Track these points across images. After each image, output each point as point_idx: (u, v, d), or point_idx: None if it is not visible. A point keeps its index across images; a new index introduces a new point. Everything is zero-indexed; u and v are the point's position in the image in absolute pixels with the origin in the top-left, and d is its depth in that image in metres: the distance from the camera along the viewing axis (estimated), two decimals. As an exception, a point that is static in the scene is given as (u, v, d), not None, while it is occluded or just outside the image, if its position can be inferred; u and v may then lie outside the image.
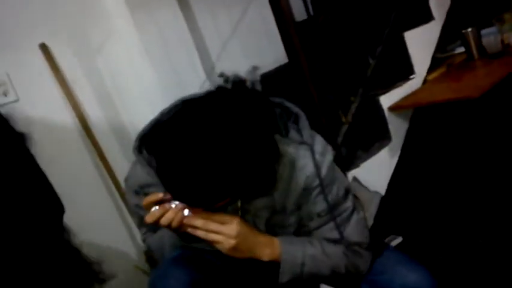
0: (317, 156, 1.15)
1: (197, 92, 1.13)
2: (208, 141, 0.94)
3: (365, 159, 2.17)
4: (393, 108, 2.25)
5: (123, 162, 2.14)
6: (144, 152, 1.17)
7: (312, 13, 2.33)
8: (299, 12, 2.29)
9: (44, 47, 2.04)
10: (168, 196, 1.06)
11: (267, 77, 2.71)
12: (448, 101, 2.07)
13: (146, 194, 1.12)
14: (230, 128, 0.96)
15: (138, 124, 2.15)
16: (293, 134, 1.18)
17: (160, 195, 1.07)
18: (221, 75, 1.12)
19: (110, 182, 2.16)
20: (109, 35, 2.19)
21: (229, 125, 0.96)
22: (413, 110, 2.35)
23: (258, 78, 1.17)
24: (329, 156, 1.18)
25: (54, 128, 2.06)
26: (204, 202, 1.01)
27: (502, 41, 2.44)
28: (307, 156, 1.15)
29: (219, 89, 1.07)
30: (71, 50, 2.11)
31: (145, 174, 1.19)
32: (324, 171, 1.15)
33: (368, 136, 2.21)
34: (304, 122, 1.20)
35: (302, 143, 1.16)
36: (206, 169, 0.94)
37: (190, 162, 0.94)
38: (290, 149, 1.15)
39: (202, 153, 0.94)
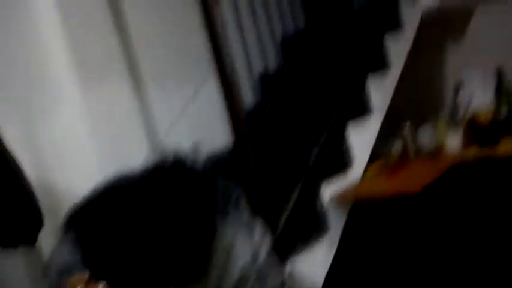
0: (255, 243, 1.13)
1: (135, 169, 1.10)
2: (139, 221, 0.91)
3: (302, 250, 2.16)
4: (333, 200, 2.28)
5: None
6: (71, 231, 1.12)
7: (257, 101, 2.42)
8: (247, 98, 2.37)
9: (-18, 111, 1.97)
10: (94, 277, 1.00)
11: (213, 159, 2.73)
12: (385, 196, 2.14)
13: (70, 275, 1.05)
14: (163, 208, 0.93)
15: (72, 199, 2.06)
16: (232, 216, 1.15)
17: (87, 275, 1.01)
18: (161, 152, 1.10)
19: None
20: (53, 101, 2.14)
21: (163, 204, 0.94)
22: (353, 203, 2.39)
23: (201, 156, 1.16)
24: (267, 245, 1.16)
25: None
26: (132, 285, 0.96)
27: (437, 141, 2.58)
28: (245, 243, 1.12)
29: (157, 167, 1.05)
30: (13, 117, 2.04)
31: (70, 254, 1.12)
32: (261, 258, 1.12)
33: (307, 226, 2.22)
34: (244, 204, 1.18)
35: (240, 226, 1.14)
36: (135, 250, 0.90)
37: (120, 242, 0.90)
38: (228, 234, 1.12)
39: (133, 233, 0.90)
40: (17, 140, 2.05)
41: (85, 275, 1.00)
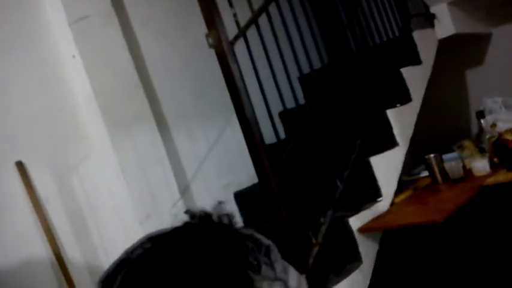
0: None
1: (164, 229, 1.13)
2: (177, 282, 0.92)
3: (337, 283, 2.15)
4: (362, 230, 2.28)
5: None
6: None
7: (281, 137, 2.47)
8: (270, 135, 2.43)
9: (19, 165, 2.09)
10: None
11: (239, 195, 2.77)
12: (414, 225, 2.13)
13: None
14: (200, 267, 0.94)
15: (109, 243, 2.14)
16: (265, 269, 1.14)
17: None
18: (187, 211, 1.12)
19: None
20: (86, 154, 2.26)
21: (199, 263, 0.94)
22: (383, 231, 2.39)
23: (225, 212, 1.17)
24: None
25: (22, 250, 2.03)
26: None
27: (464, 167, 2.57)
28: None
29: (186, 225, 1.06)
30: (47, 168, 2.16)
31: None
32: None
33: (339, 258, 2.22)
34: (276, 255, 1.16)
35: (276, 279, 1.13)
36: None
37: None
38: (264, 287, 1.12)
39: None
40: (53, 190, 2.17)
41: None
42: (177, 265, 0.94)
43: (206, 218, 1.10)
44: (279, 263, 1.18)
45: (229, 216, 1.12)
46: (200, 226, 1.06)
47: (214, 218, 1.11)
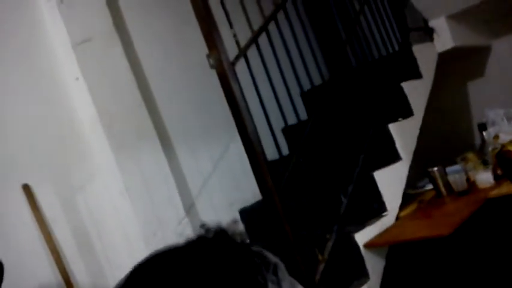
0: None
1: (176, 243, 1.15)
2: None
3: (344, 298, 2.15)
4: (368, 246, 2.28)
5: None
6: None
7: (284, 153, 2.48)
8: (272, 151, 2.45)
9: (26, 188, 2.10)
10: None
11: (245, 212, 2.77)
12: (420, 239, 2.13)
13: None
14: (211, 279, 0.95)
15: (115, 263, 2.14)
16: (272, 284, 1.15)
17: None
18: (202, 225, 1.13)
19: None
20: (91, 175, 2.28)
21: (211, 275, 0.96)
22: (389, 246, 2.38)
23: (239, 230, 1.19)
24: None
25: (29, 271, 2.03)
26: None
27: (468, 179, 2.57)
28: None
29: (200, 239, 1.08)
30: (53, 189, 2.17)
31: None
32: None
33: (345, 274, 2.21)
34: (283, 273, 1.17)
35: None
36: None
37: None
38: None
39: None
40: (59, 210, 2.18)
41: None
42: (186, 277, 0.95)
43: (221, 234, 1.11)
44: (286, 281, 1.18)
45: (242, 235, 1.14)
46: (214, 241, 1.08)
47: (229, 233, 1.12)
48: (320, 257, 2.15)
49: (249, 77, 2.26)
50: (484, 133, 2.81)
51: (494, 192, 2.38)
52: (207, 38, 1.93)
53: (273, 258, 1.22)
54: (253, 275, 1.12)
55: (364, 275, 2.26)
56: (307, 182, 2.38)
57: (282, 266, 1.20)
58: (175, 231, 2.41)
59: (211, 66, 1.95)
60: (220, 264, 0.98)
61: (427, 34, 3.08)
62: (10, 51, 2.19)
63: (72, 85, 2.28)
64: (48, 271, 2.09)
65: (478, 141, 3.00)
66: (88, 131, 2.30)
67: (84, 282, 2.16)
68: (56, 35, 2.29)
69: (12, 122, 2.15)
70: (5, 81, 2.15)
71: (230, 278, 0.96)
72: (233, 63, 2.05)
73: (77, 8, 2.30)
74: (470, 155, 2.71)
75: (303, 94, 2.96)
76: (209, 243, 1.05)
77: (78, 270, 2.17)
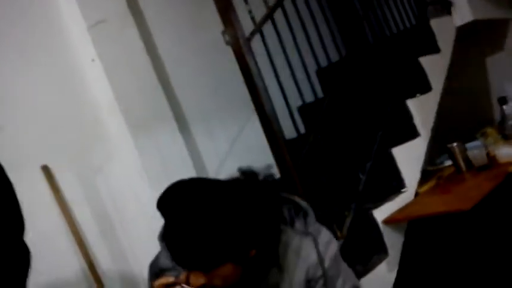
0: (320, 247, 1.20)
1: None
2: (210, 213, 1.05)
3: (364, 274, 2.15)
4: (387, 222, 2.27)
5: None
6: (163, 238, 1.24)
7: (301, 132, 2.47)
8: (290, 130, 2.44)
9: (45, 169, 2.12)
10: (180, 279, 1.09)
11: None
12: (440, 214, 2.11)
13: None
14: (233, 205, 1.07)
15: (136, 243, 2.16)
16: (298, 225, 1.25)
17: (171, 278, 1.10)
18: (239, 169, 1.23)
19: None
20: (110, 156, 2.29)
21: (234, 203, 1.08)
22: (408, 222, 2.37)
23: (271, 173, 1.29)
24: (333, 248, 1.23)
25: (51, 253, 2.06)
26: (202, 264, 1.08)
27: (488, 154, 2.54)
28: (311, 246, 1.20)
29: (233, 179, 1.18)
30: (72, 171, 2.19)
31: (165, 259, 1.25)
32: (327, 262, 1.20)
33: (365, 250, 2.21)
34: (311, 217, 1.27)
35: (306, 234, 1.21)
36: (204, 234, 1.04)
37: (191, 227, 1.04)
38: (295, 240, 1.21)
39: (205, 221, 1.04)
40: (78, 192, 2.20)
41: (169, 279, 1.10)
42: (212, 201, 1.04)
43: (251, 175, 1.20)
44: (313, 223, 1.25)
45: (273, 178, 1.24)
46: (245, 181, 1.17)
47: (261, 176, 1.21)
48: (339, 234, 2.15)
49: (265, 56, 2.25)
50: (504, 107, 2.77)
51: (515, 167, 2.35)
52: (222, 15, 1.91)
53: (304, 204, 1.31)
54: (277, 211, 1.21)
55: (383, 251, 2.26)
56: (325, 159, 2.37)
57: (311, 212, 1.27)
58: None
59: (227, 43, 1.94)
60: (245, 196, 1.07)
61: (445, 8, 3.02)
62: (26, 34, 2.20)
63: (89, 67, 2.29)
64: (70, 252, 2.13)
65: (497, 116, 2.95)
66: (105, 113, 2.31)
67: (106, 263, 2.18)
68: (70, 16, 2.29)
69: (30, 105, 2.16)
70: (22, 64, 2.16)
71: (255, 211, 1.05)
72: (249, 39, 2.03)
73: (91, -11, 2.29)
74: (490, 130, 2.68)
75: (319, 71, 2.93)
76: (239, 182, 1.14)
77: (100, 251, 2.20)
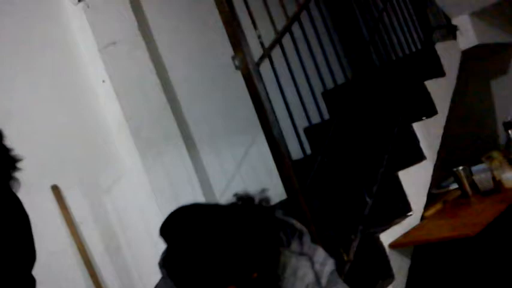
0: (317, 266, 1.21)
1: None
2: (213, 237, 1.07)
3: (370, 299, 2.14)
4: (394, 246, 2.27)
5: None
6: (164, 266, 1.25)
7: (307, 153, 2.49)
8: (296, 151, 2.46)
9: (55, 189, 2.14)
10: None
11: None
12: (446, 239, 2.11)
13: None
14: (235, 229, 1.09)
15: (142, 264, 2.17)
16: (294, 245, 1.26)
17: None
18: (235, 195, 1.25)
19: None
20: (119, 176, 2.31)
21: (235, 227, 1.10)
22: (414, 246, 2.37)
23: (266, 196, 1.31)
24: (329, 266, 1.24)
25: (59, 272, 2.07)
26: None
27: (493, 178, 2.54)
28: (307, 266, 1.21)
29: (231, 204, 1.20)
30: (81, 191, 2.21)
31: (165, 286, 1.24)
32: (324, 280, 1.20)
33: (371, 275, 2.21)
34: (306, 237, 1.28)
35: (302, 254, 1.23)
36: (208, 258, 1.05)
37: (196, 252, 1.06)
38: (292, 261, 1.22)
39: (208, 245, 1.06)
40: (87, 212, 2.22)
41: None
42: (212, 227, 1.06)
43: (247, 200, 1.22)
44: (308, 243, 1.27)
45: (268, 201, 1.26)
46: (242, 206, 1.18)
47: (256, 200, 1.23)
48: (345, 257, 2.15)
49: (273, 77, 2.28)
50: (510, 131, 2.78)
51: (522, 192, 2.35)
52: (232, 40, 1.95)
53: (298, 225, 1.33)
54: (275, 232, 1.23)
55: (389, 276, 2.26)
56: (332, 182, 2.38)
57: (306, 232, 1.29)
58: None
59: (237, 68, 1.97)
60: (244, 220, 1.08)
61: (450, 32, 3.05)
62: (39, 55, 2.24)
63: (99, 88, 2.32)
64: (77, 272, 2.13)
65: (503, 140, 2.96)
66: (115, 133, 2.34)
67: (112, 283, 2.19)
68: (82, 38, 2.34)
69: (41, 125, 2.19)
70: (34, 85, 2.20)
71: (252, 232, 1.07)
72: (258, 64, 2.06)
73: (103, 12, 2.33)
74: (496, 154, 2.68)
75: (325, 93, 2.96)
76: (236, 206, 1.16)
77: (106, 271, 2.20)
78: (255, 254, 1.12)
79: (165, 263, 1.18)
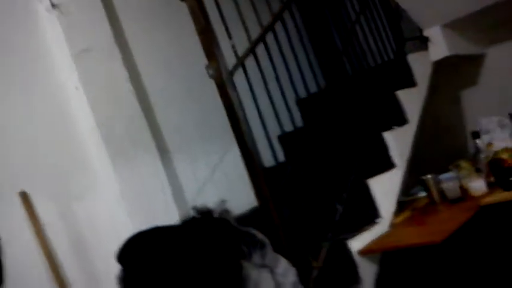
0: (278, 277, 1.21)
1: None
2: (169, 259, 1.03)
3: (338, 304, 2.18)
4: (362, 252, 2.31)
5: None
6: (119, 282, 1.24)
7: (280, 160, 2.52)
8: (269, 158, 2.49)
9: (23, 195, 2.13)
10: None
11: (240, 219, 2.80)
12: (413, 246, 2.16)
13: None
14: (191, 250, 1.05)
15: (111, 272, 2.16)
16: (256, 258, 1.26)
17: None
18: (193, 208, 1.25)
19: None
20: (90, 184, 2.30)
21: (192, 247, 1.06)
22: (382, 253, 2.41)
23: (226, 208, 1.32)
24: (291, 277, 1.24)
25: (26, 279, 2.05)
26: None
27: (461, 187, 2.60)
28: (269, 278, 1.22)
29: (189, 219, 1.19)
30: (51, 198, 2.20)
31: None
32: None
33: (339, 281, 2.24)
34: (268, 248, 1.28)
35: (264, 265, 1.24)
36: (170, 279, 1.01)
37: (156, 275, 1.01)
38: (253, 274, 1.22)
39: (168, 267, 1.02)
40: (56, 218, 2.21)
41: None
42: (175, 252, 1.03)
43: (207, 214, 1.22)
44: (270, 254, 1.28)
45: (228, 213, 1.26)
46: (202, 220, 1.18)
47: (215, 213, 1.23)
48: (314, 264, 2.18)
49: (247, 86, 2.30)
50: (478, 141, 2.85)
51: (487, 200, 2.41)
52: (206, 49, 1.97)
53: (260, 235, 1.33)
54: (236, 247, 1.23)
55: (357, 282, 2.30)
56: (303, 189, 2.42)
57: (267, 243, 1.29)
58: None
59: (211, 76, 1.99)
60: (204, 236, 1.08)
61: (422, 43, 3.12)
62: (11, 60, 2.22)
63: (72, 94, 2.32)
64: (44, 279, 2.12)
65: (471, 149, 3.04)
66: (87, 141, 2.33)
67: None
68: (55, 44, 2.33)
69: (11, 130, 2.18)
70: (5, 90, 2.18)
71: (213, 248, 1.07)
72: (231, 73, 2.09)
73: (77, 19, 2.33)
74: (464, 163, 2.74)
75: (299, 101, 3.00)
76: (195, 221, 1.16)
77: (74, 278, 2.18)
78: (217, 270, 1.12)
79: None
